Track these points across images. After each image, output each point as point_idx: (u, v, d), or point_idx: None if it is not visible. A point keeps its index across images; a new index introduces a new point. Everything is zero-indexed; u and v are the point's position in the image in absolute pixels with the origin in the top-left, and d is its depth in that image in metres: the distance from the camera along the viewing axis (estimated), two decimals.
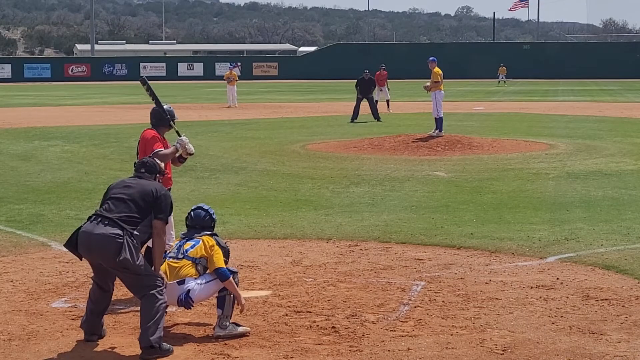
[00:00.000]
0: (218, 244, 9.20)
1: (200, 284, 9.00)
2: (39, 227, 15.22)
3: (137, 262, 8.55)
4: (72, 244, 8.78)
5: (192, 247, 9.13)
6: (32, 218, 16.13)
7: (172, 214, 9.34)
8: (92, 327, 8.95)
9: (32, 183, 20.73)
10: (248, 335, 9.05)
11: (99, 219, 8.64)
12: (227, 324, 9.05)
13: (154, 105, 10.79)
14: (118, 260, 8.43)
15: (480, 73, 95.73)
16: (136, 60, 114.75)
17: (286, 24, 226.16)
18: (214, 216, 9.60)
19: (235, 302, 9.12)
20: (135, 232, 8.61)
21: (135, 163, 9.38)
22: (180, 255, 9.11)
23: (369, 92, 41.12)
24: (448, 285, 11.09)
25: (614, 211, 16.56)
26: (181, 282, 8.95)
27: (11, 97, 66.61)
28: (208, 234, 9.30)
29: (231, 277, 9.06)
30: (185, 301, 8.94)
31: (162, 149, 10.53)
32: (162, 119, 10.79)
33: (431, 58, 31.60)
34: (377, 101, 43.19)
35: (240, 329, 9.10)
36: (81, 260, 9.00)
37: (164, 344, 8.53)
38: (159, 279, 8.73)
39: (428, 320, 9.63)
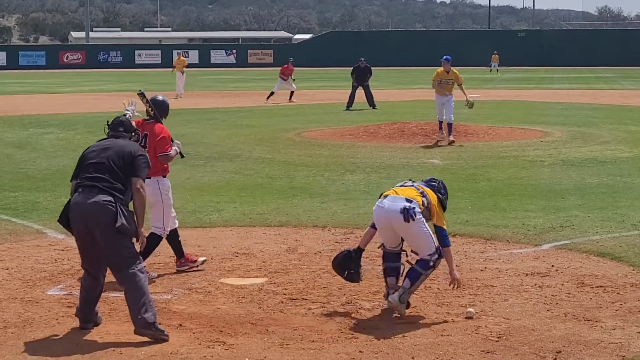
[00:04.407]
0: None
1: (424, 224, 9.30)
2: (34, 215, 15.21)
3: (131, 228, 8.63)
4: (64, 219, 8.80)
5: (420, 184, 9.65)
6: (27, 205, 16.12)
7: (172, 198, 9.30)
8: (87, 315, 8.95)
9: (27, 170, 20.71)
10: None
11: (88, 189, 8.65)
12: (407, 299, 9.23)
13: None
14: (116, 227, 8.47)
15: (476, 61, 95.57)
16: (131, 47, 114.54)
17: (281, 12, 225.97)
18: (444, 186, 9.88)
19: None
20: (124, 198, 8.69)
21: (110, 122, 9.30)
22: (408, 183, 9.61)
23: (364, 79, 41.06)
24: (443, 273, 11.05)
25: (609, 198, 16.58)
26: (409, 201, 9.24)
27: (6, 84, 66.48)
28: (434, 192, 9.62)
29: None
30: (408, 214, 9.15)
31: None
32: (165, 113, 11.31)
33: (446, 57, 26.57)
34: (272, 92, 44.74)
35: (406, 311, 9.30)
36: (73, 234, 8.94)
37: (159, 325, 8.59)
38: (139, 256, 8.83)
39: (423, 308, 9.64)
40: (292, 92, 46.10)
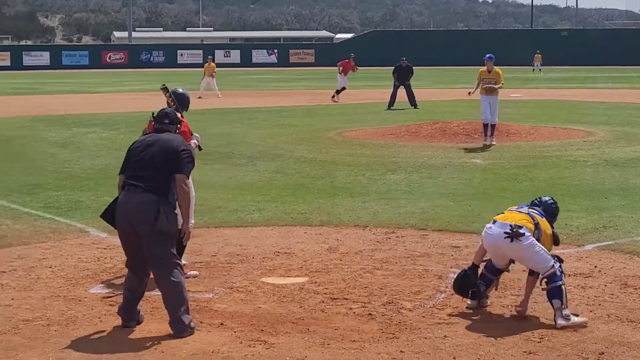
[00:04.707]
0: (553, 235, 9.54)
1: (536, 245, 9.20)
2: (77, 214, 15.31)
3: (173, 228, 8.68)
4: (109, 216, 8.88)
5: (536, 214, 9.48)
6: (70, 204, 16.23)
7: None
8: (129, 314, 9.00)
9: (70, 170, 20.86)
10: (586, 326, 8.98)
11: (133, 188, 8.72)
12: (569, 313, 9.01)
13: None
14: (156, 228, 8.53)
15: (518, 60, 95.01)
16: (173, 47, 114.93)
17: (323, 11, 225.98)
18: (557, 206, 9.92)
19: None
20: (169, 198, 8.71)
21: (155, 113, 9.33)
22: (523, 209, 9.51)
23: (406, 79, 40.95)
24: None
25: None
26: (519, 227, 9.14)
27: (49, 84, 66.99)
28: (547, 220, 9.55)
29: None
30: (514, 232, 9.08)
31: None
32: (185, 106, 11.28)
33: (489, 56, 25.72)
34: (344, 88, 44.99)
35: (579, 319, 9.05)
36: (116, 228, 9.01)
37: (192, 322, 8.73)
38: (179, 258, 8.89)
39: (464, 308, 9.60)
40: (339, 90, 46.08)
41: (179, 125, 9.37)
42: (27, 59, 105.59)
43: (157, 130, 9.15)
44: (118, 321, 9.07)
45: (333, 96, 45.62)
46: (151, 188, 8.66)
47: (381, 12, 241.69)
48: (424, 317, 9.31)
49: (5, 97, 50.38)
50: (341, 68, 46.32)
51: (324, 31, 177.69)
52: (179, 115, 9.45)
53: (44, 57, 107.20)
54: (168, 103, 11.18)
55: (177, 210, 8.86)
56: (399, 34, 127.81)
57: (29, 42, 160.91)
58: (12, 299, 10.04)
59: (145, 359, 8.15)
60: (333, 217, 14.91)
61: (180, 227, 8.87)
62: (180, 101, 11.25)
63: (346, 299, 9.99)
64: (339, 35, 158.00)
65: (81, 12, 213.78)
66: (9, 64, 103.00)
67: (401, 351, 8.28)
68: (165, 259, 8.71)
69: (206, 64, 50.26)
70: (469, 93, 25.83)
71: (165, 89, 11.29)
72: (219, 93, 48.05)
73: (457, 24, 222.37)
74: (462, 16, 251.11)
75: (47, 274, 11.23)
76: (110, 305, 9.72)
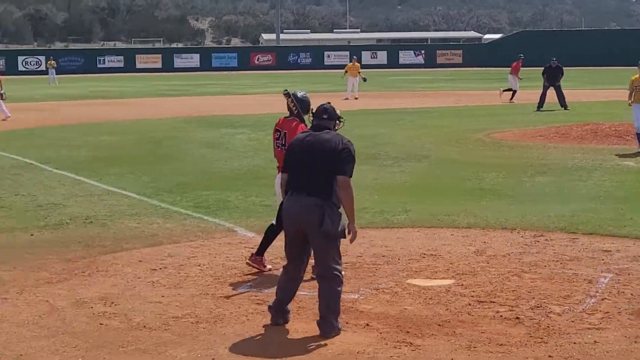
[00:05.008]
0: None
1: None
2: (225, 213, 15.53)
3: (339, 231, 8.66)
4: (279, 220, 9.02)
5: None
6: (218, 204, 16.47)
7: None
8: (279, 312, 9.05)
9: (218, 170, 21.19)
10: None
11: (296, 192, 8.73)
12: None
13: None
14: (321, 231, 8.54)
15: None
16: (320, 49, 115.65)
17: (471, 11, 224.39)
18: None
19: None
20: (332, 200, 8.66)
21: (314, 110, 9.27)
22: None
23: (556, 80, 40.29)
24: (637, 278, 10.75)
25: None
26: None
27: (199, 85, 68.31)
28: None
29: None
30: None
31: None
32: (306, 110, 11.09)
33: None
34: (515, 91, 44.85)
35: None
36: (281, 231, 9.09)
37: (340, 323, 8.75)
38: (341, 264, 8.82)
39: (616, 313, 9.36)
40: (513, 92, 45.92)
41: (337, 122, 9.20)
42: (178, 61, 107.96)
43: (316, 128, 9.03)
44: (265, 319, 9.15)
45: (502, 93, 46.07)
46: (314, 191, 8.63)
47: (530, 11, 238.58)
48: (573, 322, 9.11)
49: (157, 99, 51.61)
50: (511, 69, 46.43)
51: (472, 32, 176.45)
52: (338, 111, 9.30)
53: (194, 60, 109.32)
54: (290, 107, 11.22)
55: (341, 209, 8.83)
56: (550, 33, 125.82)
57: (180, 45, 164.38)
58: (162, 296, 10.24)
59: (291, 358, 8.20)
60: (480, 219, 14.74)
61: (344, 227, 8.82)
62: (302, 105, 11.22)
63: (493, 302, 9.86)
64: (487, 36, 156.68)
65: (230, 15, 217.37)
66: (160, 66, 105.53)
67: (549, 356, 8.12)
68: (329, 262, 8.71)
69: (350, 64, 50.44)
70: (629, 104, 24.47)
71: (287, 94, 11.31)
72: (357, 95, 48.10)
73: (609, 23, 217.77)
74: (614, 15, 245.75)
75: (196, 272, 11.41)
76: (258, 303, 9.82)
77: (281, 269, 9.22)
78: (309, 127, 9.91)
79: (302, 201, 8.66)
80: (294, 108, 11.12)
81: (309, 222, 8.60)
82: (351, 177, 8.77)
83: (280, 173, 10.68)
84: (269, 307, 9.14)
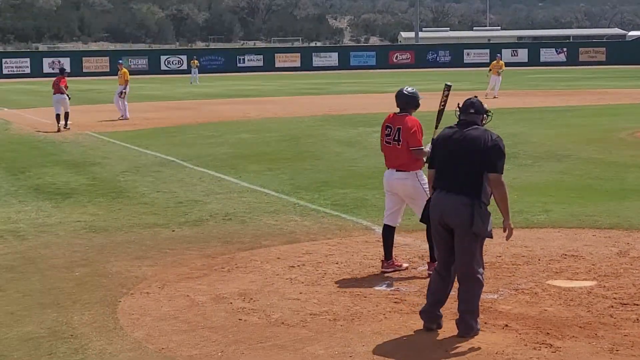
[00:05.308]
0: None
1: None
2: (363, 211, 15.53)
3: (486, 229, 8.49)
4: (426, 217, 8.90)
5: None
6: (356, 202, 16.49)
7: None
8: (431, 318, 8.85)
9: (355, 168, 21.23)
10: None
11: (445, 190, 8.60)
12: None
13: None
14: (472, 230, 8.40)
15: None
16: (459, 47, 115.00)
17: (615, 8, 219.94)
18: None
19: None
20: (482, 198, 8.48)
21: (460, 104, 8.97)
22: None
23: None
24: None
25: None
26: None
27: (337, 84, 68.65)
28: None
29: None
30: None
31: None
32: (414, 106, 11.08)
33: None
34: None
35: None
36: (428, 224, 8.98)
37: (478, 323, 8.63)
38: (483, 266, 8.68)
39: None
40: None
41: (485, 115, 8.91)
42: (317, 60, 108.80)
43: (463, 123, 8.78)
44: (402, 318, 9.13)
45: None
46: (463, 190, 8.47)
47: None
48: None
49: (295, 97, 52.00)
50: None
51: (616, 28, 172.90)
52: (486, 105, 9.08)
53: (332, 58, 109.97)
54: (441, 100, 11.10)
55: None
56: None
57: (318, 44, 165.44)
58: (300, 293, 10.30)
59: (430, 357, 8.15)
60: (623, 220, 14.40)
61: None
62: (410, 99, 11.09)
63: (637, 304, 9.62)
64: (631, 33, 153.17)
65: (369, 13, 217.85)
66: (299, 65, 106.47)
67: None
68: (472, 263, 8.58)
69: (494, 62, 49.90)
70: None
71: (449, 87, 11.19)
72: (497, 93, 47.49)
73: None
74: None
75: (333, 269, 11.44)
76: (395, 302, 9.79)
77: (427, 271, 9.11)
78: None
79: (451, 200, 8.51)
80: (442, 104, 11.04)
81: (458, 222, 8.46)
82: (502, 173, 8.56)
83: (388, 170, 10.97)
84: (420, 312, 8.93)
